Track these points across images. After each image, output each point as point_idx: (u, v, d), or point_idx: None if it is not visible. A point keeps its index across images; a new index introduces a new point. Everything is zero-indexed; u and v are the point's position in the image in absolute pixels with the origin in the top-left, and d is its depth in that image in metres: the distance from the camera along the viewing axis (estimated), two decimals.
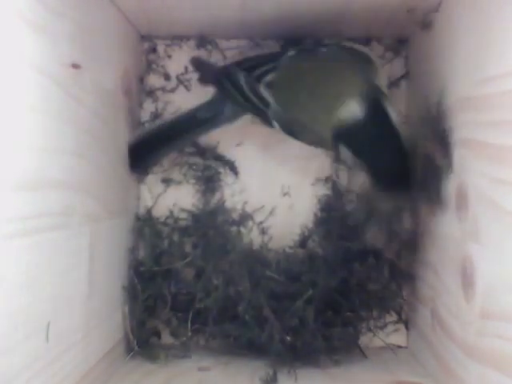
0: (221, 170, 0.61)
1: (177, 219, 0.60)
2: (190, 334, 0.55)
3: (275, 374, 0.49)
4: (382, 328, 0.58)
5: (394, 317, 0.58)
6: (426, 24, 0.52)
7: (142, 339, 0.55)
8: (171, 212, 0.60)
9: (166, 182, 0.61)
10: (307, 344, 0.52)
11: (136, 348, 0.54)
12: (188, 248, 0.58)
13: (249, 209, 0.61)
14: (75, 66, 0.41)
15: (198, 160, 0.61)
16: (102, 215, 0.48)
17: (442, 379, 0.47)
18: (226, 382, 0.50)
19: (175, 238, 0.59)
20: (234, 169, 0.61)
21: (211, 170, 0.61)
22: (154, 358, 0.54)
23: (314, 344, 0.52)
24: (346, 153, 0.48)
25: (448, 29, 0.47)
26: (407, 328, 0.59)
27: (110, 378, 0.49)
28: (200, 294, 0.55)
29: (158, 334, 0.57)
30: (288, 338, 0.51)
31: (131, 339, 0.54)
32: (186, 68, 0.62)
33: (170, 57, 0.62)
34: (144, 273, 0.56)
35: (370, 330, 0.57)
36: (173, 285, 0.56)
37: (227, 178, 0.61)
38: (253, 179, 0.62)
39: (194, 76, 0.61)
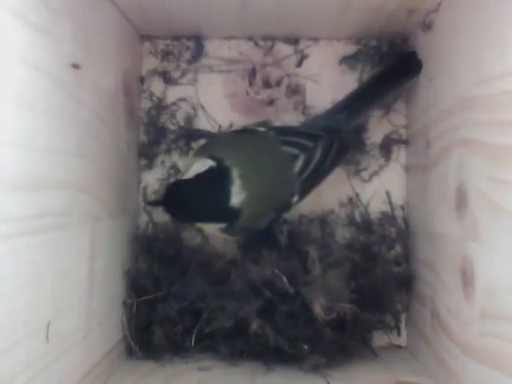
0: None
1: None
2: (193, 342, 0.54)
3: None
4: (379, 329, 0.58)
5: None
6: (426, 24, 0.52)
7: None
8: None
9: (165, 180, 0.61)
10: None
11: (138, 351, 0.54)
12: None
13: None
14: (75, 66, 0.41)
15: None
16: (103, 215, 0.48)
17: (442, 379, 0.47)
18: (226, 382, 0.50)
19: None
20: None
21: None
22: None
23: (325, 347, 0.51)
24: None
25: (448, 29, 0.47)
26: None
27: (110, 378, 0.49)
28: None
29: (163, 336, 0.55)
30: (305, 347, 0.50)
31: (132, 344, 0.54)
32: (186, 68, 0.62)
33: (170, 57, 0.62)
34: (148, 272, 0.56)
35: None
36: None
37: None
38: None
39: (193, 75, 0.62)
